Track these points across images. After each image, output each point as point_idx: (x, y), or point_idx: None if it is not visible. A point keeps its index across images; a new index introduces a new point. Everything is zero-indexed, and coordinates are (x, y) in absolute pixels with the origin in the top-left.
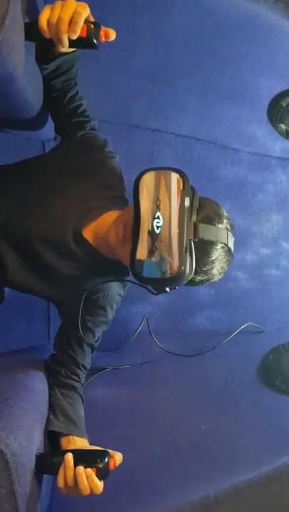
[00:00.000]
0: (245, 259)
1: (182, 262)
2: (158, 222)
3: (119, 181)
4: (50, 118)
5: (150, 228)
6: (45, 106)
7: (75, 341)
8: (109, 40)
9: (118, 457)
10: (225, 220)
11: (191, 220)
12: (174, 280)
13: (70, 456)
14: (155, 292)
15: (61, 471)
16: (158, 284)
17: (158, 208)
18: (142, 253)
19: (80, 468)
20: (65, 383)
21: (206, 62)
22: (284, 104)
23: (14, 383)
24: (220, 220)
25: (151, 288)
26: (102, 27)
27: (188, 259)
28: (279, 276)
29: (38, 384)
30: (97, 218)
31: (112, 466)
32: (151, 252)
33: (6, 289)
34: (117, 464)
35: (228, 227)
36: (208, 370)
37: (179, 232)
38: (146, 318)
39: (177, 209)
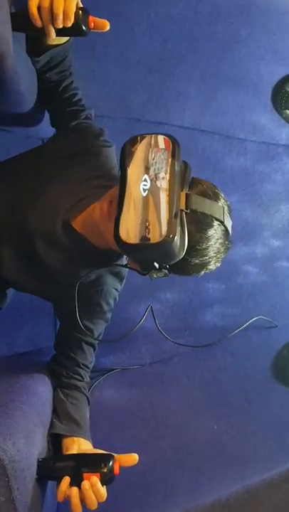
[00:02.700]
0: (255, 252)
1: (171, 228)
2: (145, 185)
3: (114, 170)
4: (47, 116)
5: (137, 191)
6: (40, 97)
7: (73, 341)
8: (103, 31)
9: (132, 458)
10: (222, 200)
11: (183, 190)
12: (162, 249)
13: (66, 481)
14: (143, 272)
15: (61, 487)
16: (145, 256)
17: (146, 170)
18: (127, 218)
19: (86, 484)
20: (67, 383)
21: (204, 48)
22: (288, 89)
23: (16, 386)
24: (216, 197)
25: (140, 265)
26: (91, 15)
27: (179, 229)
28: None
29: (41, 386)
30: (87, 208)
31: (116, 470)
32: (137, 217)
33: (11, 292)
34: (130, 465)
35: (225, 208)
36: (220, 367)
37: (169, 195)
38: (151, 307)
39: (167, 172)
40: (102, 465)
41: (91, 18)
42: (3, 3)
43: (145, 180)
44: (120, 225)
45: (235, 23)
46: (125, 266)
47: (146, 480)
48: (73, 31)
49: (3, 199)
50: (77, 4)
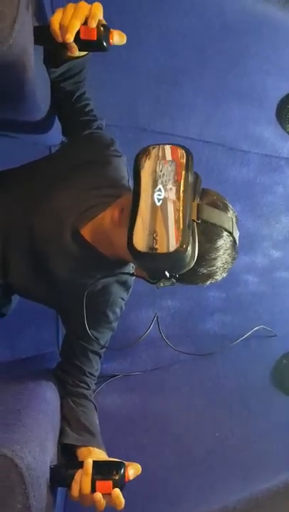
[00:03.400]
0: (255, 262)
1: (185, 238)
2: (159, 195)
3: (124, 180)
4: (56, 123)
5: (151, 200)
6: (52, 107)
7: (79, 350)
8: (119, 44)
9: (135, 468)
10: (230, 211)
11: (194, 200)
12: (174, 258)
13: (89, 464)
14: (152, 281)
15: (77, 478)
16: (156, 266)
17: (160, 180)
18: (140, 227)
19: (98, 495)
20: (74, 392)
21: (212, 61)
22: None
23: (25, 393)
24: (225, 207)
25: (150, 274)
26: (112, 31)
27: (191, 239)
28: None
29: (49, 393)
30: (96, 216)
31: (127, 478)
32: (150, 226)
33: (16, 298)
34: (134, 476)
35: (234, 218)
36: (221, 375)
37: (182, 206)
38: (157, 316)
39: (181, 182)
40: (114, 472)
41: (111, 34)
42: (26, 19)
43: (159, 190)
44: (134, 234)
45: (245, 39)
46: (132, 274)
47: (150, 487)
48: (94, 47)
49: (11, 207)
50: (99, 21)
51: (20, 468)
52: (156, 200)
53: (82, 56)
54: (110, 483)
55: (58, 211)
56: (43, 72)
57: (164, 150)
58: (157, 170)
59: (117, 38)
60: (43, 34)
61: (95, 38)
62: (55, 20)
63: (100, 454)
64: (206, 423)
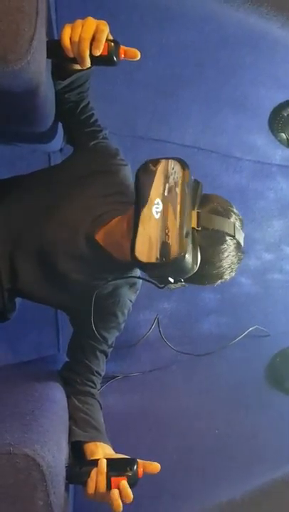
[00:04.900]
0: (248, 265)
1: (182, 247)
2: (157, 208)
3: (130, 189)
4: (58, 131)
5: (150, 213)
6: (57, 117)
7: (88, 349)
8: (134, 60)
9: (154, 467)
10: (233, 216)
11: (194, 209)
12: (175, 266)
13: (103, 463)
14: (160, 286)
15: (92, 476)
16: (160, 273)
17: (158, 193)
18: (141, 239)
19: (115, 492)
20: (81, 390)
21: (209, 72)
22: (285, 114)
23: (35, 394)
24: (227, 213)
25: (157, 281)
26: (122, 46)
27: (190, 247)
28: (282, 281)
29: (58, 394)
30: (109, 222)
31: (140, 474)
32: (150, 237)
33: (18, 299)
34: (152, 473)
35: (237, 222)
36: (217, 374)
37: (180, 217)
38: (158, 319)
39: (178, 194)
40: (128, 469)
41: (122, 49)
42: (42, 36)
43: (158, 203)
44: (136, 245)
45: (242, 51)
46: (144, 279)
47: (156, 482)
48: (104, 62)
49: (18, 215)
50: (107, 37)
51: (42, 466)
52: (154, 214)
53: (88, 69)
54: (124, 479)
55: (69, 219)
56: (50, 85)
57: (161, 164)
58: (155, 184)
59: (131, 54)
60: (53, 48)
61: (106, 53)
62: (66, 35)
63: (107, 449)
64: (205, 421)
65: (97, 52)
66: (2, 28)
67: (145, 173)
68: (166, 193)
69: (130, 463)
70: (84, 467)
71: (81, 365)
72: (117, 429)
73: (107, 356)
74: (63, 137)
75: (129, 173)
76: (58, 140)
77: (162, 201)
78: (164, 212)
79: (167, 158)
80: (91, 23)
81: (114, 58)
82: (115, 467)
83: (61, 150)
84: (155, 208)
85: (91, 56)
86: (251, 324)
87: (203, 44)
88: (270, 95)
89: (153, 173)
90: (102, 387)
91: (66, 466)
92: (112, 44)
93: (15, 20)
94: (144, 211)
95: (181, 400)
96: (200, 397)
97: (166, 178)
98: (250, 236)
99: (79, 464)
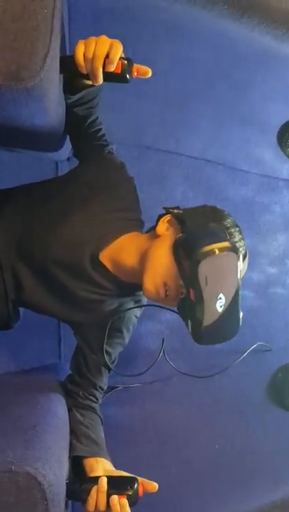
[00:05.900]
0: (251, 278)
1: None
2: (220, 302)
3: (135, 203)
4: (65, 140)
5: (214, 309)
6: (65, 130)
7: (92, 363)
8: (145, 77)
9: (152, 486)
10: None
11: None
12: None
13: (104, 481)
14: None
15: (93, 494)
16: None
17: (220, 289)
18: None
19: (115, 499)
20: (83, 404)
21: (218, 87)
22: None
23: (37, 407)
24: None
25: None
26: (135, 64)
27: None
28: (285, 296)
29: (60, 408)
30: (113, 241)
31: (141, 493)
32: (215, 329)
33: (21, 309)
34: (151, 492)
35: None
36: (218, 388)
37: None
38: (164, 339)
39: (236, 287)
40: (129, 487)
41: (135, 67)
42: (56, 53)
43: (220, 298)
44: (201, 332)
45: (253, 68)
46: (159, 306)
47: (155, 496)
48: (117, 79)
49: (21, 228)
50: (121, 55)
51: (43, 485)
52: (218, 308)
53: (98, 85)
54: (125, 498)
55: (73, 236)
56: (61, 100)
57: (224, 257)
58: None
59: (143, 71)
60: (66, 64)
61: (120, 71)
62: (79, 51)
63: (107, 465)
64: (205, 435)
65: (111, 69)
66: (17, 46)
67: (204, 267)
68: (227, 287)
69: (131, 481)
70: (84, 484)
71: (84, 379)
72: (116, 440)
73: (109, 371)
74: (71, 148)
75: (133, 188)
76: (66, 149)
77: (225, 295)
78: (227, 305)
79: (222, 250)
80: (105, 41)
81: (127, 76)
82: (116, 485)
83: (68, 159)
84: (219, 303)
85: (104, 73)
86: (253, 338)
87: (213, 60)
88: (279, 111)
89: (213, 268)
90: (103, 398)
91: (66, 483)
92: (126, 62)
93: (30, 38)
94: (209, 308)
95: (182, 412)
96: (200, 410)
97: (227, 271)
98: (255, 249)
99: (79, 480)
